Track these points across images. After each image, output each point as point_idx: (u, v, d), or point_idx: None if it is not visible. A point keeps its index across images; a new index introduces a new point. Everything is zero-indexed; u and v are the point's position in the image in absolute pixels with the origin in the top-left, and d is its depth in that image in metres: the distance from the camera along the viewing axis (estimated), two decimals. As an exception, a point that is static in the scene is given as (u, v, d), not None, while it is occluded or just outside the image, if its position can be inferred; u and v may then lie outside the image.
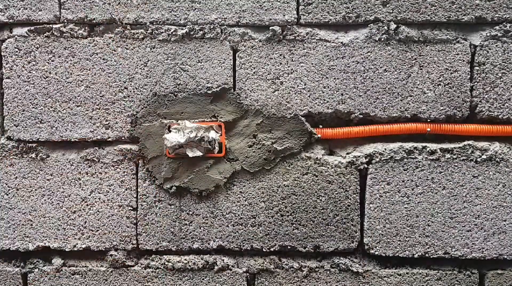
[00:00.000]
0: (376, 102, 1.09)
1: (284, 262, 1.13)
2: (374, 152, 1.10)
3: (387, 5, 1.08)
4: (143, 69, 1.10)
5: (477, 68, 1.09)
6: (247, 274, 1.13)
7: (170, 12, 1.09)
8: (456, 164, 1.09)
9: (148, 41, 1.09)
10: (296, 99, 1.10)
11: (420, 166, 1.09)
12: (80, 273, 1.13)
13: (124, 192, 1.12)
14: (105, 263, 1.14)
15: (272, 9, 1.08)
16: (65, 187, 1.12)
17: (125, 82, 1.10)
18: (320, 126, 1.10)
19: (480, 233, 1.10)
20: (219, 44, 1.09)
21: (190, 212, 1.12)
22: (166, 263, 1.12)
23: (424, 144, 1.09)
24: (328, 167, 1.10)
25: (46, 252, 1.14)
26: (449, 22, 1.08)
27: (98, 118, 1.11)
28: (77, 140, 1.11)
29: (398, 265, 1.13)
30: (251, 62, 1.09)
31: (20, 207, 1.12)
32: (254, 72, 1.09)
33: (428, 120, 1.09)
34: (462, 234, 1.10)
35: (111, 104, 1.10)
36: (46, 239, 1.13)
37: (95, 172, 1.12)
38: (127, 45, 1.09)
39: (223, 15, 1.08)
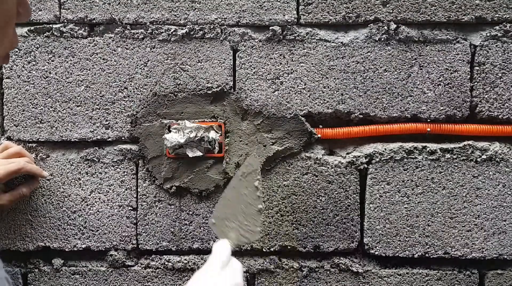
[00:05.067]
0: (376, 102, 1.09)
1: (284, 262, 1.13)
2: (374, 152, 1.10)
3: (387, 5, 1.08)
4: (143, 69, 1.10)
5: (477, 68, 1.09)
6: (247, 274, 1.13)
7: (170, 12, 1.09)
8: (456, 164, 1.09)
9: (148, 41, 1.09)
10: (296, 99, 1.10)
11: (420, 166, 1.09)
12: (80, 273, 1.13)
13: (124, 192, 1.12)
14: (105, 263, 1.14)
15: (272, 9, 1.08)
16: (65, 187, 1.12)
17: (125, 82, 1.10)
18: (320, 126, 1.10)
19: (480, 233, 1.10)
20: (219, 44, 1.09)
21: (190, 212, 1.12)
22: (166, 263, 1.12)
23: (424, 144, 1.09)
24: (328, 167, 1.10)
25: (46, 252, 1.14)
26: (449, 22, 1.08)
27: (98, 118, 1.11)
28: (77, 140, 1.11)
29: (398, 265, 1.13)
30: (251, 62, 1.09)
31: (20, 207, 1.12)
32: (254, 72, 1.09)
33: (428, 120, 1.09)
34: (462, 234, 1.10)
35: (111, 104, 1.10)
36: (46, 239, 1.13)
37: (95, 172, 1.12)
38: (127, 45, 1.09)
39: (223, 15, 1.08)
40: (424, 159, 1.09)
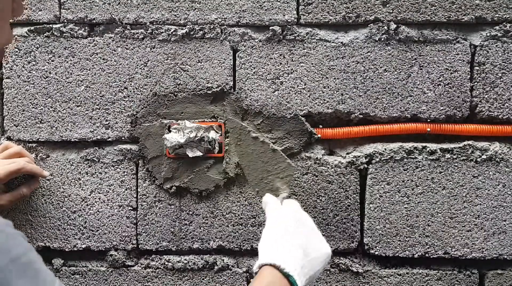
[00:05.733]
0: (376, 102, 1.09)
1: (284, 262, 1.12)
2: (374, 152, 1.10)
3: (387, 5, 1.08)
4: (143, 69, 1.10)
5: (477, 68, 1.09)
6: (247, 274, 1.13)
7: (170, 12, 1.09)
8: (456, 164, 1.09)
9: (148, 41, 1.09)
10: (296, 99, 1.10)
11: (420, 166, 1.09)
12: (80, 273, 1.13)
13: (124, 192, 1.12)
14: (105, 263, 1.14)
15: (272, 9, 1.08)
16: (65, 187, 1.12)
17: (125, 82, 1.10)
18: (320, 126, 1.10)
19: (480, 233, 1.10)
20: (219, 44, 1.09)
21: (190, 212, 1.12)
22: (166, 263, 1.12)
23: (424, 144, 1.09)
24: (328, 167, 1.10)
25: (46, 252, 1.13)
26: (449, 22, 1.08)
27: (98, 118, 1.11)
28: (77, 140, 1.11)
29: (398, 265, 1.13)
30: (251, 62, 1.09)
31: (20, 207, 1.12)
32: (254, 72, 1.09)
33: (428, 120, 1.09)
34: (462, 234, 1.10)
35: (111, 104, 1.10)
36: (46, 239, 1.13)
37: (95, 172, 1.12)
38: (127, 45, 1.09)
39: (223, 15, 1.08)
40: (424, 159, 1.09)
